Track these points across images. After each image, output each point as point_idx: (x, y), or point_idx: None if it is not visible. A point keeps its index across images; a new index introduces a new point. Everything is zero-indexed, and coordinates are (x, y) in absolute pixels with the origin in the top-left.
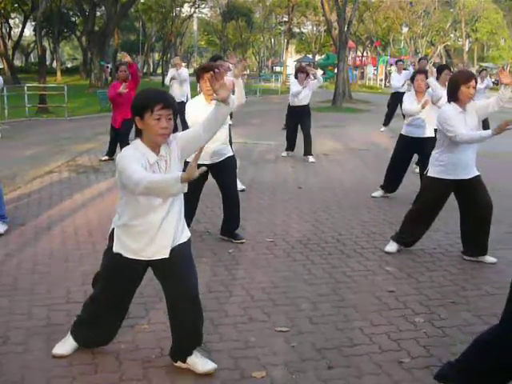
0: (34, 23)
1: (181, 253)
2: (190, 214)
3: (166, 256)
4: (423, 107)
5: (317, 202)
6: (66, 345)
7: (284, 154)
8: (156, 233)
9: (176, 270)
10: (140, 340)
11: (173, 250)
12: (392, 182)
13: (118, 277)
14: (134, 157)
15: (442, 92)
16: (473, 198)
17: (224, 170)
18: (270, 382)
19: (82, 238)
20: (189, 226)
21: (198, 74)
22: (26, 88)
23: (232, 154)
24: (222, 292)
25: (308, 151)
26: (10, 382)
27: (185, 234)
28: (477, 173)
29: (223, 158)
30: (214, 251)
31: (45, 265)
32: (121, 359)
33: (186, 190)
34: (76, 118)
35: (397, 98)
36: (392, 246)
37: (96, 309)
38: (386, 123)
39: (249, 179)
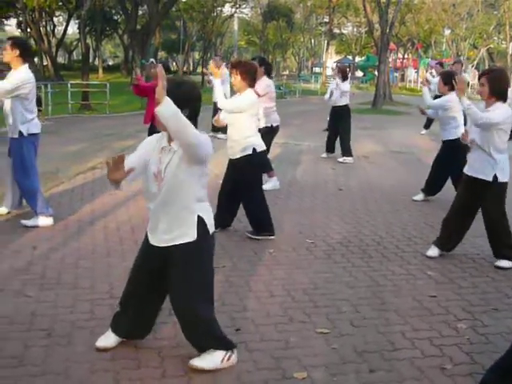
0: (77, 21)
1: (177, 258)
2: (221, 212)
3: (156, 244)
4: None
5: (357, 204)
6: (109, 338)
7: (324, 155)
8: (152, 219)
9: (170, 272)
10: (182, 337)
11: (174, 250)
12: (433, 185)
13: (142, 254)
14: (146, 143)
15: (432, 101)
16: (480, 201)
17: (236, 167)
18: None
19: (125, 234)
20: (228, 225)
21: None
22: (69, 85)
23: (249, 152)
24: (263, 292)
25: (342, 152)
26: (55, 374)
27: (190, 235)
28: (488, 178)
29: (238, 156)
30: (254, 250)
31: (88, 260)
32: (163, 355)
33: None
34: (117, 115)
35: None
36: (433, 251)
37: (127, 291)
38: (427, 126)
39: (289, 180)
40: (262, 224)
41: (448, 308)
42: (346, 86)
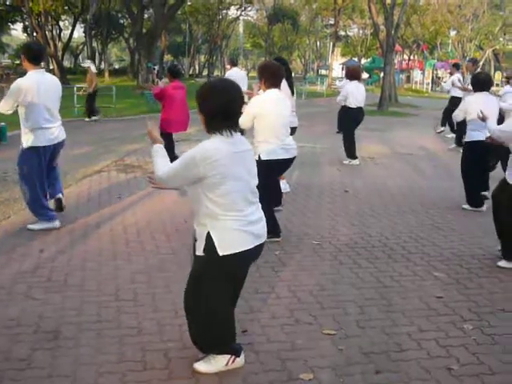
0: (83, 25)
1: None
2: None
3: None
4: None
5: (363, 206)
6: None
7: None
8: None
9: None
10: (188, 338)
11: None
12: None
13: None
14: None
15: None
16: None
17: None
18: None
19: (131, 236)
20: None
21: None
22: (75, 89)
23: (256, 158)
24: (269, 293)
25: (346, 154)
26: (62, 377)
27: (201, 249)
28: (510, 181)
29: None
30: None
31: (94, 262)
32: (169, 357)
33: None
34: (123, 118)
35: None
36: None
37: None
38: (444, 124)
39: (295, 182)
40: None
41: (454, 309)
42: (348, 87)
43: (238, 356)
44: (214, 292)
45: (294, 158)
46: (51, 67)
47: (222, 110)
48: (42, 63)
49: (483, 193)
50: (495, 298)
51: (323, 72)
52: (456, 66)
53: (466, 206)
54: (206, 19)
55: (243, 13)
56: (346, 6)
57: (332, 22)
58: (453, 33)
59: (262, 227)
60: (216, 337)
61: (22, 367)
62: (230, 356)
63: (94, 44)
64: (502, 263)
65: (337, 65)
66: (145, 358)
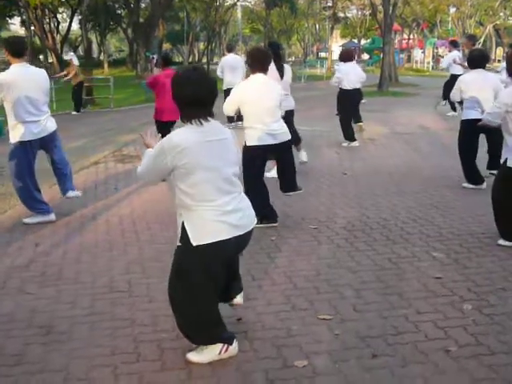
0: (80, 17)
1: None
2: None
3: None
4: None
5: (362, 188)
6: None
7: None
8: None
9: None
10: None
11: None
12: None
13: None
14: None
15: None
16: None
17: None
18: (312, 371)
19: (127, 227)
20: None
21: None
22: (72, 80)
23: (243, 144)
24: (265, 280)
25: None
26: (54, 371)
27: (179, 238)
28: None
29: None
30: (256, 238)
31: (90, 254)
32: (162, 348)
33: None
34: (122, 108)
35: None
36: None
37: None
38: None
39: None
40: (260, 212)
41: (453, 289)
42: (342, 68)
43: (231, 344)
44: (193, 282)
45: (284, 142)
46: (50, 60)
47: (188, 100)
48: (40, 57)
49: (494, 172)
50: (495, 277)
51: (323, 55)
52: (453, 44)
53: (466, 185)
54: (203, 6)
55: None
56: None
57: (330, 3)
58: (452, 10)
59: (242, 217)
60: (200, 327)
61: (15, 363)
62: (222, 345)
63: (93, 35)
64: (502, 241)
65: (336, 47)
66: (138, 350)
